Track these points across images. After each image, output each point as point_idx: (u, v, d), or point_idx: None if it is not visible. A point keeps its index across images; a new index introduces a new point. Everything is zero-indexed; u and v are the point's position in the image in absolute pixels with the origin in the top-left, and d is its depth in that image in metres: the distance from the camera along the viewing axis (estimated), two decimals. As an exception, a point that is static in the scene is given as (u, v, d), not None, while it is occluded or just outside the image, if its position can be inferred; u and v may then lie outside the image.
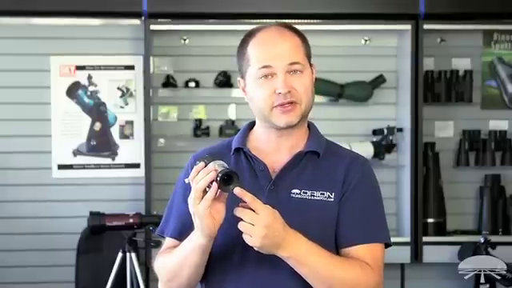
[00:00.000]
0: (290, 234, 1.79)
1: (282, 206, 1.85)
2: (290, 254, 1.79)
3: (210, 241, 1.83)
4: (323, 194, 1.90)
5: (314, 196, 1.90)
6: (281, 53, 1.88)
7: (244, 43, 1.94)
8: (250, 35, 1.94)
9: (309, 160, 1.94)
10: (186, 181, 1.84)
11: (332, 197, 1.90)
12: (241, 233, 1.78)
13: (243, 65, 1.94)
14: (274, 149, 1.96)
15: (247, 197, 1.75)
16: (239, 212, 1.76)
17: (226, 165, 1.81)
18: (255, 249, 1.77)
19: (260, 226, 1.74)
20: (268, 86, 1.88)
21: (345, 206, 1.90)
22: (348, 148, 2.08)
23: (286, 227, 1.79)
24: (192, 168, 1.84)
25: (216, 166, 1.78)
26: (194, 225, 1.82)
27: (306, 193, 1.89)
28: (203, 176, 1.77)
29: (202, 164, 1.80)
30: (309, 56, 1.95)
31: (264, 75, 1.89)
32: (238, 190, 1.75)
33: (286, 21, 4.83)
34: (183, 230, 1.93)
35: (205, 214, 1.77)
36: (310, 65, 1.96)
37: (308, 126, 2.01)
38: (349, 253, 1.89)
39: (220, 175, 1.75)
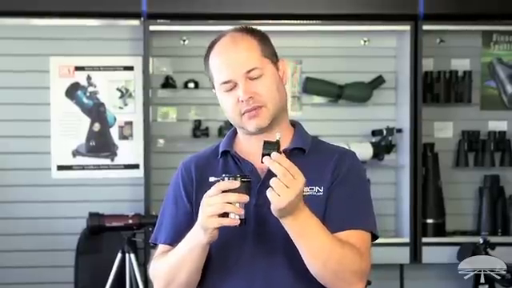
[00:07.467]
0: (302, 204, 1.80)
1: None
2: (297, 221, 1.79)
3: (211, 241, 1.83)
4: (312, 189, 1.92)
5: (303, 192, 1.89)
6: (236, 63, 1.91)
7: (206, 56, 1.98)
8: (210, 47, 1.97)
9: (295, 157, 1.93)
10: (212, 179, 1.83)
11: (321, 191, 1.92)
12: (237, 233, 1.79)
13: (210, 76, 1.98)
14: (259, 150, 1.95)
15: (286, 163, 1.76)
16: (277, 169, 1.75)
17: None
18: (274, 210, 1.77)
19: (293, 191, 1.74)
20: (233, 95, 1.92)
21: (333, 193, 1.91)
22: (336, 144, 2.08)
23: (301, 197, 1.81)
24: (182, 175, 1.96)
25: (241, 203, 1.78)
26: (197, 225, 1.82)
27: None
28: (235, 200, 1.77)
29: (237, 183, 1.78)
30: (270, 53, 1.96)
31: (226, 90, 1.93)
32: (275, 156, 1.77)
33: (286, 21, 4.86)
34: (177, 236, 1.93)
35: (212, 228, 1.79)
36: (276, 61, 1.97)
37: (293, 125, 2.04)
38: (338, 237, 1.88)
39: (240, 218, 1.77)
